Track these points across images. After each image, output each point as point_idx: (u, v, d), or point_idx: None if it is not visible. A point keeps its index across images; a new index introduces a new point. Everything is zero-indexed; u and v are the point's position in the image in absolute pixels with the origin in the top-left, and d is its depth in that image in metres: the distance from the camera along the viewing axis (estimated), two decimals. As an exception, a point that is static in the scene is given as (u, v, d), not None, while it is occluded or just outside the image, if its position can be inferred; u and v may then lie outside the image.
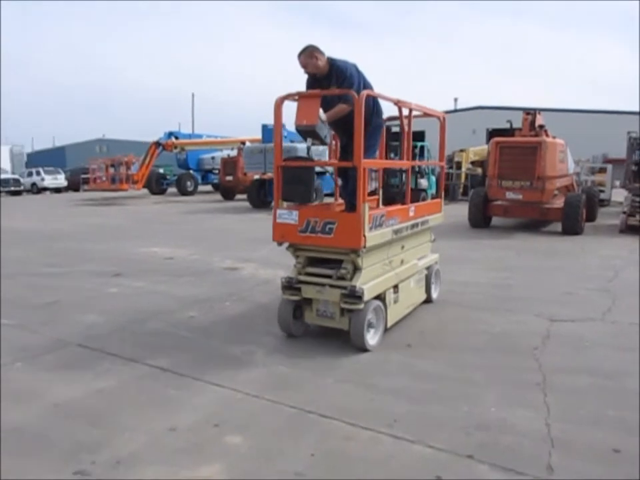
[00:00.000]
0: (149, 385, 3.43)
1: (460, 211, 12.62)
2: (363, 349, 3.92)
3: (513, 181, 10.78)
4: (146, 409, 3.10)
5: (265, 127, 17.41)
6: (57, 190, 30.84)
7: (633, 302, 5.29)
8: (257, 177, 17.29)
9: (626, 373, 3.57)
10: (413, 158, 14.18)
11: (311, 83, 4.29)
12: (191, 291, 5.96)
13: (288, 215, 3.95)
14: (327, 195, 14.32)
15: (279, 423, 2.93)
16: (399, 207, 4.62)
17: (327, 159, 7.79)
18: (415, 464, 2.52)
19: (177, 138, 24.50)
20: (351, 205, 4.08)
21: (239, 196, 20.48)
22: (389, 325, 4.26)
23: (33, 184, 31.01)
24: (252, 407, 3.12)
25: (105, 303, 5.47)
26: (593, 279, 6.47)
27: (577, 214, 10.48)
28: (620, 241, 9.80)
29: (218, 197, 22.25)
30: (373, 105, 4.30)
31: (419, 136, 15.26)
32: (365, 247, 3.75)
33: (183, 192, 25.03)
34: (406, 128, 4.65)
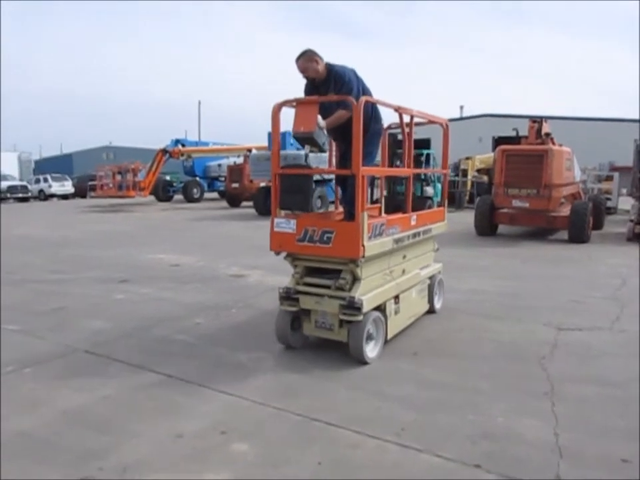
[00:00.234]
0: (155, 392, 3.44)
1: (466, 218, 12.61)
2: (362, 361, 3.83)
3: (519, 188, 10.75)
4: (153, 415, 3.10)
5: (271, 135, 17.43)
6: (64, 197, 31.10)
7: (641, 311, 5.25)
8: (263, 184, 17.31)
9: (635, 382, 3.54)
10: (419, 165, 14.34)
11: (309, 89, 4.23)
12: (197, 297, 5.97)
13: (286, 223, 3.89)
14: (332, 202, 14.30)
15: (286, 430, 2.92)
16: (399, 215, 4.52)
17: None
18: (422, 473, 2.51)
19: (183, 145, 24.60)
20: (350, 214, 3.98)
21: (245, 203, 20.52)
22: (389, 336, 4.17)
23: (41, 190, 31.25)
24: (258, 414, 3.12)
25: (111, 309, 5.50)
26: (601, 288, 6.43)
27: (583, 222, 10.43)
28: (627, 249, 9.74)
29: (224, 204, 22.29)
30: (371, 110, 4.23)
31: (425, 143, 15.27)
32: (363, 256, 3.66)
33: (190, 199, 25.13)
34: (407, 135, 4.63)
